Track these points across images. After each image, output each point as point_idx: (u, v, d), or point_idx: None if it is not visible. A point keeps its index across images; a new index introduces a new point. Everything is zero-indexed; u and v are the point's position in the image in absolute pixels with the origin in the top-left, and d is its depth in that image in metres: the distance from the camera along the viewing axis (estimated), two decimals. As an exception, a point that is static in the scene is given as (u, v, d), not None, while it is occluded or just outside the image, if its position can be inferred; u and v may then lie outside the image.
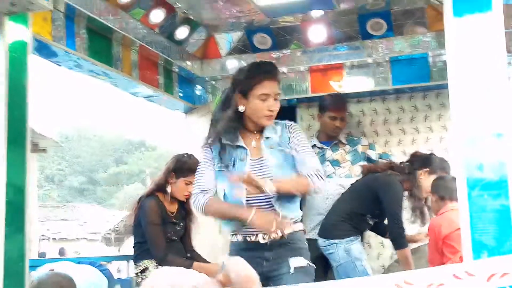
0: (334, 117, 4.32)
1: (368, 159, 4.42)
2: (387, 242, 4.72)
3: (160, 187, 3.66)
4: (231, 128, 2.83)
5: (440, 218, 3.63)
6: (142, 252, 3.56)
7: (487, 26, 2.30)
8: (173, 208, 3.67)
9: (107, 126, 49.37)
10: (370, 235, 4.69)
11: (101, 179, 42.44)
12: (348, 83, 4.67)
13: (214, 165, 2.85)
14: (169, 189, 3.63)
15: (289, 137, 2.83)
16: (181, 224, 3.69)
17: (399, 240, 3.80)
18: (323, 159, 4.28)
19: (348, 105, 4.60)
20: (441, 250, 3.48)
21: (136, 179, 38.22)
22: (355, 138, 4.51)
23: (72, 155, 43.78)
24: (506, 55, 2.52)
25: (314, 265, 2.83)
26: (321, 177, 2.76)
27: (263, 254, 2.74)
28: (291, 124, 2.89)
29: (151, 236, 3.52)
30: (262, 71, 2.81)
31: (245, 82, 2.81)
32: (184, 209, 3.73)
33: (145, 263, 3.49)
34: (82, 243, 24.64)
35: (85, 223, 27.90)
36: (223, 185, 2.81)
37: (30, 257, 2.56)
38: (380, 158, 4.41)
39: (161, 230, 3.54)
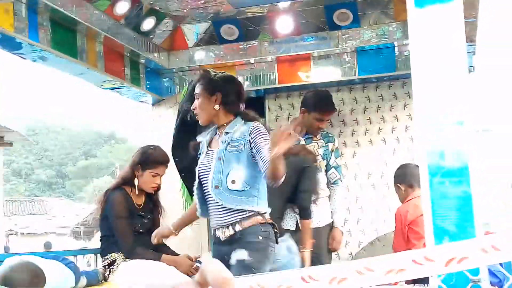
0: (321, 120, 4.20)
1: (328, 160, 4.31)
2: (355, 230, 4.79)
3: (126, 180, 3.63)
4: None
5: (406, 205, 3.68)
6: (109, 245, 3.54)
7: (447, 16, 2.34)
8: (140, 200, 3.65)
9: (75, 118, 48.75)
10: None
11: (70, 172, 41.92)
12: (315, 73, 4.69)
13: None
14: (136, 181, 3.61)
15: (249, 137, 2.90)
16: (149, 216, 3.67)
17: (307, 211, 3.80)
18: None
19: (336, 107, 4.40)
20: (407, 236, 3.53)
21: (106, 172, 37.84)
22: (330, 135, 4.39)
23: (40, 148, 43.13)
24: (467, 45, 2.57)
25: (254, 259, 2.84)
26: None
27: (222, 249, 2.91)
28: (256, 127, 2.93)
29: (118, 229, 3.49)
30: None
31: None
32: (152, 201, 3.71)
33: (113, 256, 3.47)
34: (51, 237, 24.33)
35: (53, 217, 27.57)
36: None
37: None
38: (334, 167, 4.31)
39: (128, 223, 3.51)
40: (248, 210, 2.87)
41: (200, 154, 3.06)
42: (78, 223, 25.24)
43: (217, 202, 2.89)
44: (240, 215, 2.86)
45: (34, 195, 35.84)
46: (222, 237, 2.89)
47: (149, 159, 3.61)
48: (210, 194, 2.91)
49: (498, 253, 1.41)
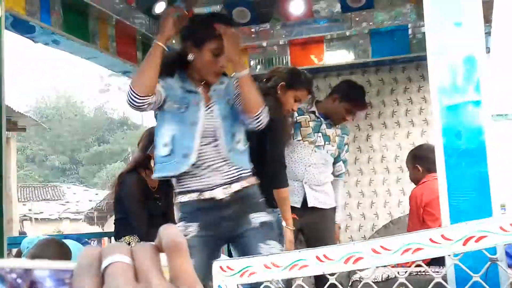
0: (350, 111, 4.04)
1: (339, 152, 4.18)
2: (368, 214, 4.78)
3: (140, 163, 3.64)
4: (180, 71, 2.71)
5: (422, 187, 3.64)
6: (123, 228, 3.55)
7: (464, -5, 2.30)
8: (154, 183, 3.66)
9: (88, 105, 48.96)
10: (352, 207, 4.73)
11: (83, 158, 42.17)
12: (328, 56, 4.65)
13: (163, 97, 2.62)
14: (152, 163, 3.61)
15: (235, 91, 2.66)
16: (163, 199, 3.68)
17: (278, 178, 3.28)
18: (317, 129, 4.05)
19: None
20: (422, 218, 3.50)
21: (119, 158, 38.05)
22: (346, 128, 4.25)
23: (53, 134, 43.36)
24: (484, 25, 2.53)
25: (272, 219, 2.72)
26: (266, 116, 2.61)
27: (220, 213, 2.56)
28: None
29: (132, 211, 3.51)
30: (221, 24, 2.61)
31: (200, 32, 2.65)
32: (167, 184, 3.71)
33: (127, 239, 3.48)
34: (65, 223, 24.56)
35: (67, 203, 27.80)
36: (173, 128, 2.58)
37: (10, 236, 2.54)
38: (342, 161, 4.17)
39: (143, 205, 3.52)
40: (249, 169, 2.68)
41: (188, 103, 2.62)
42: (91, 208, 25.43)
43: (225, 162, 2.58)
44: (242, 172, 2.63)
45: (48, 181, 36.12)
46: (220, 196, 2.55)
47: None
48: (204, 153, 2.57)
49: (517, 232, 1.39)
